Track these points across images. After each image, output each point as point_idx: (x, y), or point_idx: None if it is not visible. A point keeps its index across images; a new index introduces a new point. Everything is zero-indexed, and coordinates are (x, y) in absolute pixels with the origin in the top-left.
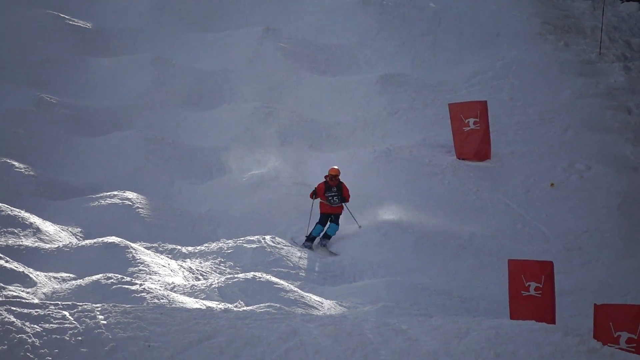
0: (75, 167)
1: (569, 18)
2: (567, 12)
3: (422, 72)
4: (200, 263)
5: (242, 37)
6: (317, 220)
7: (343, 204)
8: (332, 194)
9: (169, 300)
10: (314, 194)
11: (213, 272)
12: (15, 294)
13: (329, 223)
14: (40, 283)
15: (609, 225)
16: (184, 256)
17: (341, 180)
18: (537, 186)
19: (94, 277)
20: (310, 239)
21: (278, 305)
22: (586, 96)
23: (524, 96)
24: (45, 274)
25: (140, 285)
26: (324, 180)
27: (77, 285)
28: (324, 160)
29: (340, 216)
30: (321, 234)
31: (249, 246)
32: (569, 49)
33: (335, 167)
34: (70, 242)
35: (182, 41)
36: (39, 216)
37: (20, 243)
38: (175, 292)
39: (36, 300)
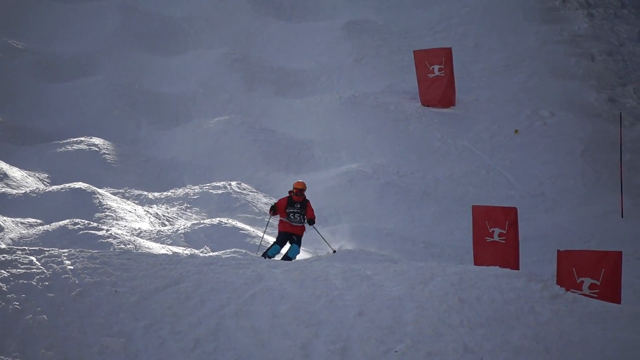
0: (42, 112)
1: None
2: None
3: (387, 18)
4: (167, 209)
5: None
6: (274, 241)
7: (309, 225)
8: (295, 210)
9: (136, 246)
10: (273, 209)
11: (179, 217)
12: None
13: (289, 244)
14: (7, 228)
15: (572, 172)
16: (150, 202)
17: (307, 197)
18: (501, 132)
19: (61, 223)
20: (266, 256)
21: (244, 250)
22: (550, 43)
23: (489, 42)
24: (13, 219)
25: (107, 230)
26: (288, 194)
27: (44, 230)
28: (290, 107)
29: (303, 238)
30: (277, 256)
31: (214, 192)
32: None
33: (301, 180)
34: (37, 188)
35: None
36: (5, 162)
37: None
38: (141, 237)
39: (3, 246)
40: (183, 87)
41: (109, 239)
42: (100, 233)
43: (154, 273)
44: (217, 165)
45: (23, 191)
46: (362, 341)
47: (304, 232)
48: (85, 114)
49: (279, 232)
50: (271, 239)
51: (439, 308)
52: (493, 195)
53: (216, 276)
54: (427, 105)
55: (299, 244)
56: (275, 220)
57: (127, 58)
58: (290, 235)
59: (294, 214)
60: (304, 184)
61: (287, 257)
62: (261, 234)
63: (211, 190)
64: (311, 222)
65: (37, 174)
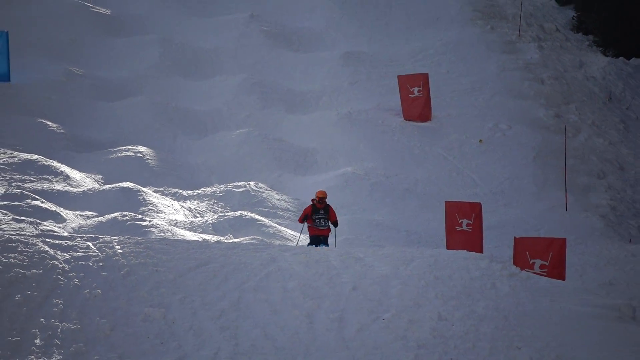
0: (97, 126)
1: (494, 7)
2: (493, 1)
3: (376, 50)
4: (198, 204)
5: (232, 21)
6: (308, 243)
7: (334, 227)
8: (320, 216)
9: (173, 234)
10: (304, 219)
11: (208, 211)
12: (48, 228)
13: (321, 245)
14: (69, 220)
15: (526, 174)
16: (185, 198)
17: (328, 203)
18: (468, 142)
19: (112, 215)
20: None
21: (260, 237)
22: (508, 69)
23: (458, 69)
24: (73, 212)
25: (150, 221)
26: (311, 202)
27: (98, 221)
28: (297, 121)
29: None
30: None
31: (237, 190)
32: (494, 32)
33: (322, 189)
34: (93, 187)
35: (183, 24)
36: (68, 166)
37: (53, 187)
38: (177, 227)
39: (66, 234)
40: (211, 105)
41: (151, 228)
42: (144, 223)
43: (188, 256)
44: (239, 168)
45: (82, 189)
46: (356, 311)
47: (330, 233)
48: (132, 127)
49: (310, 236)
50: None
51: (418, 284)
52: (462, 193)
53: (238, 258)
54: (409, 120)
55: (326, 243)
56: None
57: (165, 82)
58: (319, 237)
59: (319, 219)
60: (325, 193)
61: None
62: (275, 225)
63: (234, 189)
64: (335, 224)
65: (93, 176)
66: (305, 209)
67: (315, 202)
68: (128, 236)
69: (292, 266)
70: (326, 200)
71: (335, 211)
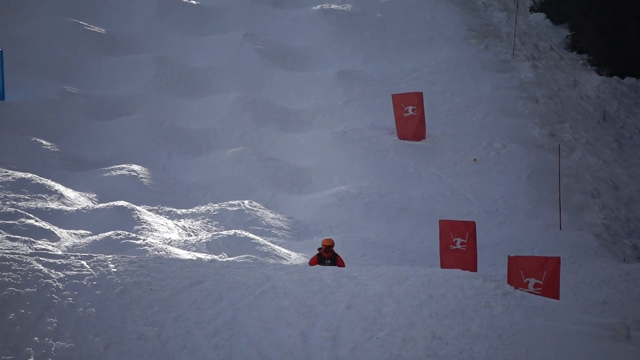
0: (92, 144)
1: (488, 26)
2: (487, 20)
3: (371, 69)
4: (192, 222)
5: (226, 40)
6: None
7: None
8: (326, 266)
9: (167, 252)
10: None
11: (202, 229)
12: (43, 246)
13: None
14: (63, 238)
15: (520, 192)
16: (179, 217)
17: (335, 251)
18: (462, 161)
19: (107, 234)
20: None
21: (254, 256)
22: (502, 88)
23: (453, 88)
24: (67, 230)
25: (144, 240)
26: (317, 252)
27: (92, 240)
28: (292, 140)
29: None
30: None
31: (231, 209)
32: (488, 50)
33: (329, 237)
34: (87, 205)
35: (177, 43)
36: (62, 184)
37: (47, 206)
38: (171, 245)
39: (60, 252)
40: (205, 124)
41: (145, 247)
42: (138, 242)
43: (182, 274)
44: (233, 187)
45: (76, 208)
46: (350, 330)
47: None
48: (126, 146)
49: None
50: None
51: (412, 302)
52: (456, 212)
53: (232, 277)
54: (403, 139)
55: None
56: None
57: (160, 100)
58: None
59: None
60: (331, 241)
61: None
62: (269, 243)
63: (228, 208)
64: None
65: (87, 194)
66: (310, 260)
67: (321, 251)
68: (122, 255)
69: (286, 285)
70: (333, 248)
71: (343, 260)
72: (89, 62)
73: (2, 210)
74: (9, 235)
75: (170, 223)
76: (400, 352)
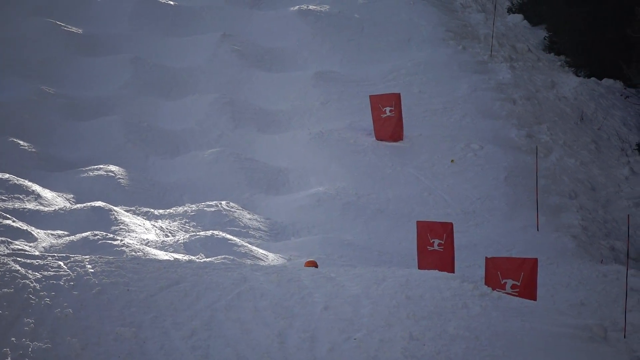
0: (69, 145)
1: (466, 27)
2: (465, 22)
3: (348, 70)
4: (169, 223)
5: (204, 41)
6: None
7: None
8: None
9: (144, 253)
10: None
11: (179, 230)
12: (20, 247)
13: None
14: (40, 239)
15: (497, 194)
16: (156, 217)
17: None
18: (440, 162)
19: (84, 234)
20: None
21: (232, 257)
22: (480, 90)
23: (430, 89)
24: (44, 231)
25: (121, 240)
26: None
27: (70, 240)
28: (269, 141)
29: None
30: None
31: (208, 209)
32: (466, 52)
33: (312, 259)
34: (64, 206)
35: (155, 44)
36: (39, 185)
37: (24, 206)
38: (149, 246)
39: (37, 253)
40: (183, 125)
41: (123, 247)
42: (115, 242)
43: (159, 275)
44: (210, 188)
45: (53, 208)
46: (327, 330)
47: None
48: (104, 146)
49: None
50: None
51: (389, 304)
52: (433, 213)
53: (209, 278)
54: (380, 140)
55: None
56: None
57: (138, 101)
58: None
59: None
60: (314, 263)
61: None
62: (246, 244)
63: (205, 208)
64: None
65: (64, 195)
66: None
67: None
68: (99, 255)
69: (263, 286)
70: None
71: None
72: (66, 63)
73: None
74: None
75: (148, 224)
76: (378, 354)
